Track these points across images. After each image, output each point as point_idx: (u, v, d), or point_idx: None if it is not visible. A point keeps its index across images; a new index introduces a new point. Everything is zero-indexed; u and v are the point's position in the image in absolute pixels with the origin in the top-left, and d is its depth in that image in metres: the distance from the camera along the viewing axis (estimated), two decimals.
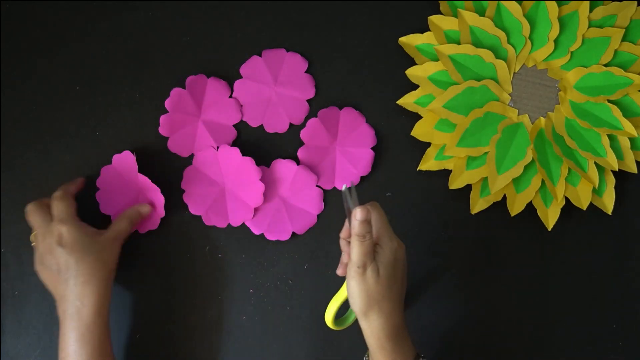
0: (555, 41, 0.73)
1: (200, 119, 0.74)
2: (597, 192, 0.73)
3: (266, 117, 0.75)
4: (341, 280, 0.65)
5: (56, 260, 0.65)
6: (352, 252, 0.59)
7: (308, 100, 0.75)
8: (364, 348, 0.64)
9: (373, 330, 0.60)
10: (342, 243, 0.65)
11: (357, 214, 0.59)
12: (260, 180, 0.72)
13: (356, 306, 0.60)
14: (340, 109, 0.75)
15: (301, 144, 0.74)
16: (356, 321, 0.65)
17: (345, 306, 0.66)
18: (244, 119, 0.75)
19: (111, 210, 0.73)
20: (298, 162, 0.74)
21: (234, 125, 0.75)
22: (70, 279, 0.65)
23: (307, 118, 0.75)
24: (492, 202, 0.73)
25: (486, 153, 0.72)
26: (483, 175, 0.73)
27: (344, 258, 0.65)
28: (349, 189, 0.61)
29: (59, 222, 0.66)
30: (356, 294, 0.59)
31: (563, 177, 0.72)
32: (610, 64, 0.72)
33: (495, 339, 0.74)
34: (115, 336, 0.72)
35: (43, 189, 0.74)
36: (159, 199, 0.71)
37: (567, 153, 0.71)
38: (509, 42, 0.73)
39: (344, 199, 0.61)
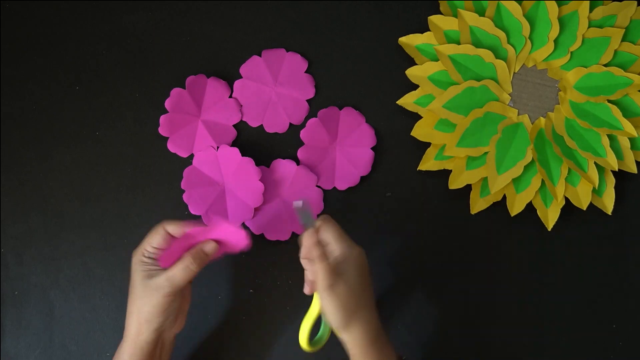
0: (555, 41, 0.73)
1: (200, 119, 0.74)
2: (597, 192, 0.73)
3: (266, 117, 0.75)
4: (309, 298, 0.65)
5: None
6: (318, 274, 0.59)
7: (308, 100, 0.75)
8: None
9: (355, 339, 0.60)
10: (304, 262, 0.64)
11: (305, 240, 0.60)
12: (260, 180, 0.72)
13: (335, 322, 0.60)
14: (340, 109, 0.75)
15: (301, 144, 0.74)
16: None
17: (316, 325, 0.65)
18: (243, 119, 0.75)
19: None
20: (298, 162, 0.74)
21: (234, 125, 0.75)
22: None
23: (307, 118, 0.75)
24: (492, 202, 0.73)
25: (486, 153, 0.72)
26: (483, 175, 0.73)
27: (308, 275, 0.64)
28: (303, 205, 0.62)
29: (137, 249, 0.63)
30: (333, 311, 0.59)
31: (563, 177, 0.72)
32: (610, 64, 0.72)
33: (494, 338, 0.74)
34: (112, 336, 0.72)
35: (43, 189, 0.74)
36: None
37: (567, 153, 0.71)
38: (509, 42, 0.73)
39: (298, 215, 0.62)
